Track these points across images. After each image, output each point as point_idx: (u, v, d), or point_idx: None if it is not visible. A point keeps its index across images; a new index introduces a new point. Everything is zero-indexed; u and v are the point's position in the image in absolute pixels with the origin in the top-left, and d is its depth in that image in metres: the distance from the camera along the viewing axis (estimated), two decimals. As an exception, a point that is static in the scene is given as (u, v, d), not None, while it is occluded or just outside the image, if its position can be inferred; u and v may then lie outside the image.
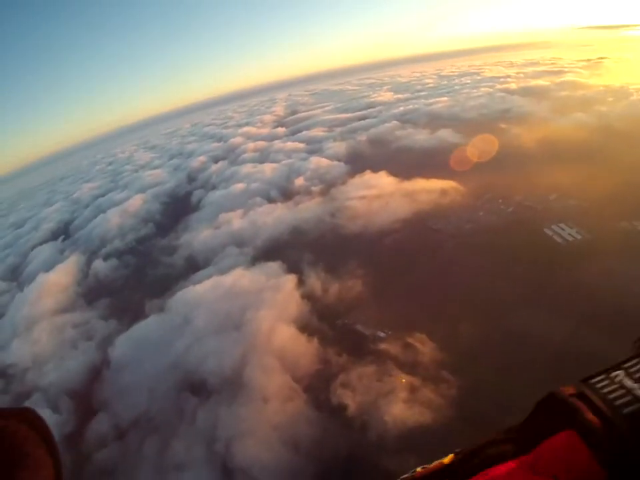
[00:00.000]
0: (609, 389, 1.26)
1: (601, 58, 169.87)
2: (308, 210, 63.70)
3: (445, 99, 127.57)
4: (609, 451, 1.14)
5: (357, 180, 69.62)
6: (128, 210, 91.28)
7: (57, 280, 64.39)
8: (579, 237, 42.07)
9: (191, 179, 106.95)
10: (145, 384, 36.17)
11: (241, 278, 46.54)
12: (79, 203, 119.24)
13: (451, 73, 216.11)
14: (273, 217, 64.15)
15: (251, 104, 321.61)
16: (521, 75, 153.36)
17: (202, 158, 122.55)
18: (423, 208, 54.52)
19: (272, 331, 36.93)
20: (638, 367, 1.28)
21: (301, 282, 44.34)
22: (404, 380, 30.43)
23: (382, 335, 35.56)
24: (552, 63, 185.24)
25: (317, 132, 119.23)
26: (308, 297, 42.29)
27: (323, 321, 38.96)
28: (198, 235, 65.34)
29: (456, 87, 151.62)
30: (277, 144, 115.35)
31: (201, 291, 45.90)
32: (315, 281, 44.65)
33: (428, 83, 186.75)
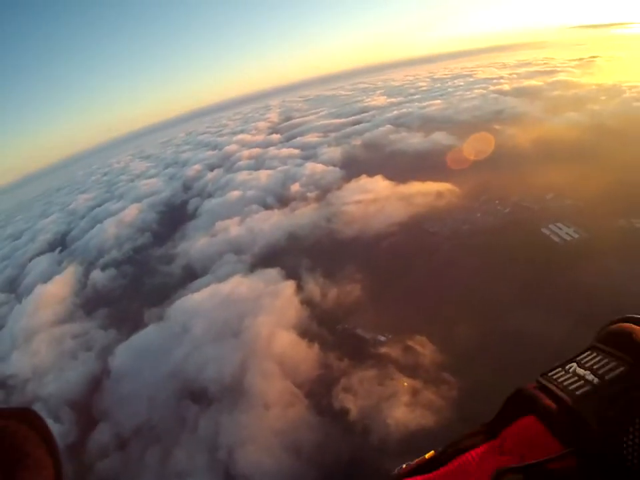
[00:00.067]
0: (564, 378, 1.45)
1: (593, 57, 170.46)
2: (304, 216, 63.69)
3: (439, 101, 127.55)
4: (566, 429, 1.30)
5: (353, 184, 69.67)
6: (124, 220, 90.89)
7: (55, 291, 64.15)
8: (576, 236, 42.13)
9: (186, 187, 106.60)
10: (145, 393, 36.06)
11: (239, 285, 46.46)
12: (75, 213, 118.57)
13: (444, 76, 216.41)
14: (270, 224, 64.03)
15: (245, 111, 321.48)
16: (514, 76, 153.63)
17: (197, 166, 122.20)
18: (419, 211, 54.57)
19: (272, 337, 36.87)
20: (587, 358, 1.47)
21: (299, 287, 44.25)
22: (406, 384, 30.39)
23: (382, 338, 35.53)
24: (544, 63, 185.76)
25: (312, 138, 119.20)
26: (307, 302, 42.22)
27: (322, 326, 38.91)
28: (195, 243, 65.17)
29: (449, 90, 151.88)
30: (272, 150, 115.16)
31: (199, 299, 45.78)
32: (313, 287, 44.60)
33: (421, 86, 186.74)
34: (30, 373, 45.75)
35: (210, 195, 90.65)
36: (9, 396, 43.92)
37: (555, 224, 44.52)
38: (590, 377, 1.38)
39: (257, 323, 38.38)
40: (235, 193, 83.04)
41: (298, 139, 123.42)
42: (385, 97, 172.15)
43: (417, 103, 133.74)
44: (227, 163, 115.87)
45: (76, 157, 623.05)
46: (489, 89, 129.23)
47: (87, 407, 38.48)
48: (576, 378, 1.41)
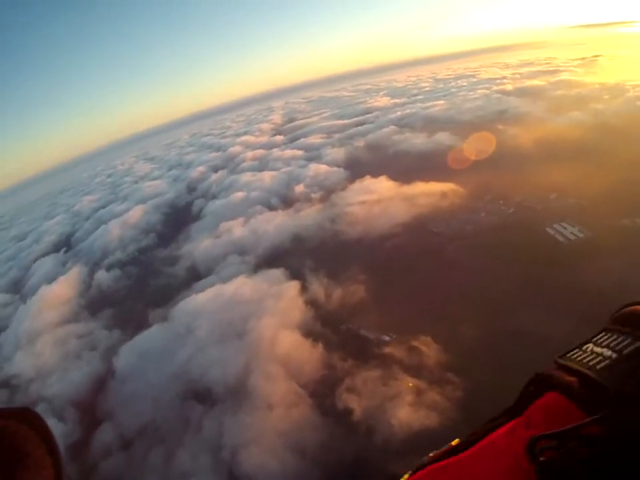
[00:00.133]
0: (582, 356, 1.47)
1: (595, 56, 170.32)
2: (308, 217, 63.72)
3: (442, 102, 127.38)
4: (590, 400, 1.31)
5: (357, 185, 69.63)
6: (129, 221, 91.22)
7: (60, 292, 64.36)
8: (581, 235, 42.03)
9: (190, 189, 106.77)
10: (149, 393, 36.10)
11: (243, 286, 46.46)
12: (80, 215, 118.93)
13: (447, 76, 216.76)
14: (274, 225, 64.11)
15: (248, 113, 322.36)
16: (517, 76, 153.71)
17: (201, 168, 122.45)
18: (423, 211, 54.50)
19: (276, 337, 36.84)
20: (603, 338, 1.48)
21: (303, 288, 44.18)
22: (411, 384, 30.31)
23: (386, 338, 35.45)
24: (547, 63, 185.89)
25: (315, 139, 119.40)
26: (311, 303, 42.14)
27: (326, 326, 38.84)
28: (199, 245, 65.24)
29: (452, 90, 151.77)
30: (276, 152, 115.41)
31: (203, 299, 45.80)
32: (317, 287, 44.57)
33: (424, 87, 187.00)
34: (34, 372, 45.88)
35: (214, 196, 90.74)
36: (13, 395, 44.05)
37: (559, 223, 44.43)
38: (608, 352, 1.40)
39: (261, 323, 38.36)
40: (239, 194, 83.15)
41: (301, 140, 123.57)
42: (388, 97, 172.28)
43: (420, 104, 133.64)
44: (230, 165, 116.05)
45: (77, 160, 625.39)
46: (491, 89, 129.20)
47: (91, 407, 38.48)
48: (594, 355, 1.43)
